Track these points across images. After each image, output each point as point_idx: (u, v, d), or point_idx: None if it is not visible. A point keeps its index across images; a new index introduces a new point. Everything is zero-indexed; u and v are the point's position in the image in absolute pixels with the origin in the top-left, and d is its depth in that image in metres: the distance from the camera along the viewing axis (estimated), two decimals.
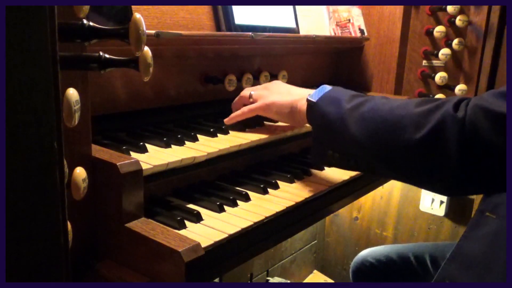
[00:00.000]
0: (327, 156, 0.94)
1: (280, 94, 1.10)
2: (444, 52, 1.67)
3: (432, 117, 0.78)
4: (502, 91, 0.73)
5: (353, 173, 1.15)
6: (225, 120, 1.13)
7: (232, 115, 1.13)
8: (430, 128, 0.77)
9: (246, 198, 0.93)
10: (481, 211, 1.05)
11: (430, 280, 1.07)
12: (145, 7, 1.03)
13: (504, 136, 0.71)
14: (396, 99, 0.91)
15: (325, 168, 1.16)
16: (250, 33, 1.20)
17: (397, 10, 1.70)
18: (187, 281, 0.66)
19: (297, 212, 0.94)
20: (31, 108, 0.42)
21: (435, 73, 1.72)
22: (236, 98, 1.18)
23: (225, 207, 0.88)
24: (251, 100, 1.13)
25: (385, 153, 0.84)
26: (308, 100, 0.97)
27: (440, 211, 2.04)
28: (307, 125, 1.21)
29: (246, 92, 1.16)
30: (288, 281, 2.08)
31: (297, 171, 1.09)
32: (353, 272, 1.43)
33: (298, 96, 1.06)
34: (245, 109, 1.11)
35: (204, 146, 0.96)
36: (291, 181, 1.04)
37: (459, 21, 1.65)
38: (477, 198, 1.88)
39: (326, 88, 0.98)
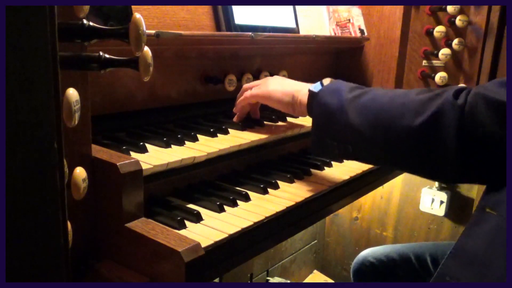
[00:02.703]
0: (327, 146, 0.95)
1: (281, 84, 1.12)
2: (444, 52, 1.67)
3: (432, 103, 0.78)
4: (504, 81, 0.73)
5: (353, 173, 1.15)
6: (235, 119, 1.16)
7: (237, 107, 1.15)
8: (429, 114, 0.78)
9: (246, 198, 0.93)
10: (481, 207, 1.05)
11: (430, 280, 1.07)
12: (145, 7, 1.03)
13: (504, 124, 0.71)
14: (396, 89, 0.92)
15: (325, 168, 1.16)
16: (250, 33, 1.20)
17: (397, 10, 1.70)
18: (187, 281, 0.66)
19: (297, 212, 0.94)
20: (31, 108, 0.42)
21: (435, 73, 1.72)
22: (239, 95, 1.20)
23: (225, 207, 0.88)
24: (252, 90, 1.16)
25: (384, 140, 0.85)
26: (309, 91, 1.00)
27: (440, 211, 2.04)
28: (306, 123, 1.22)
29: (247, 85, 1.18)
30: (288, 281, 2.08)
31: (297, 171, 1.09)
32: (354, 272, 1.43)
33: (299, 87, 1.08)
34: (247, 93, 1.13)
35: (204, 146, 0.96)
36: (291, 181, 1.04)
37: (459, 21, 1.65)
38: (477, 198, 1.88)
39: (327, 80, 1.00)
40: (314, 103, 0.98)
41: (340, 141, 0.92)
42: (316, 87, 1.00)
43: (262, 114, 1.23)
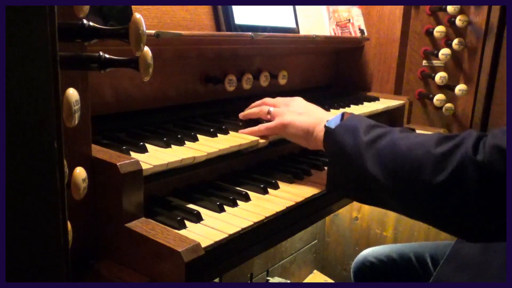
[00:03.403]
0: (342, 185, 0.94)
1: (299, 114, 1.07)
2: (444, 52, 1.67)
3: (452, 159, 0.76)
4: None
5: None
6: (241, 131, 1.09)
7: (249, 130, 1.09)
8: (450, 171, 0.75)
9: (246, 198, 0.93)
10: None
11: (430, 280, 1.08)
12: (145, 7, 1.03)
13: None
14: (414, 134, 0.88)
15: (325, 168, 1.16)
16: (250, 33, 1.20)
17: (397, 10, 1.70)
18: (187, 281, 0.66)
19: (297, 212, 0.94)
20: (31, 108, 0.42)
21: (435, 73, 1.72)
22: (256, 107, 1.16)
23: (225, 207, 0.88)
24: (268, 116, 1.11)
25: (402, 193, 0.83)
26: (325, 127, 0.97)
27: None
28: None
29: (265, 106, 1.13)
30: (288, 281, 2.08)
31: (297, 171, 1.09)
32: (354, 272, 1.43)
33: (316, 119, 1.04)
34: (261, 127, 1.08)
35: (204, 146, 0.96)
36: (291, 181, 1.04)
37: (459, 21, 1.65)
38: None
39: (345, 115, 0.97)
40: (329, 141, 0.95)
41: (357, 184, 0.90)
42: (332, 122, 0.96)
43: None
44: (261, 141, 1.07)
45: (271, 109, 1.11)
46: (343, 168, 0.92)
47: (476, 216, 0.76)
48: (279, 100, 1.15)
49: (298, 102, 1.13)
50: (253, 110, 1.16)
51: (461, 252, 1.02)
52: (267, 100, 1.16)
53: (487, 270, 0.96)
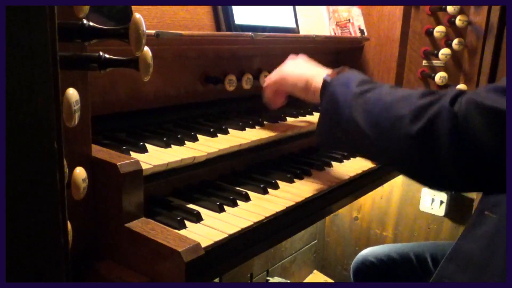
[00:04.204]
0: (332, 134, 0.96)
1: (299, 65, 1.12)
2: (444, 52, 1.67)
3: (430, 109, 0.78)
4: (497, 86, 0.72)
5: (353, 173, 1.15)
6: (268, 105, 1.18)
7: (264, 97, 1.18)
8: (425, 121, 0.77)
9: (246, 198, 0.93)
10: (480, 210, 1.05)
11: (429, 282, 1.08)
12: (145, 7, 1.03)
13: (495, 132, 0.70)
14: (403, 89, 0.91)
15: (325, 168, 1.16)
16: (250, 33, 1.20)
17: (397, 10, 1.70)
18: (187, 281, 0.66)
19: (297, 212, 0.94)
20: (31, 108, 0.42)
21: (435, 73, 1.72)
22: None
23: (225, 207, 0.88)
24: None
25: (384, 143, 0.85)
26: (324, 79, 1.00)
27: (440, 211, 2.04)
28: (306, 123, 1.21)
29: (266, 79, 1.19)
30: (288, 281, 2.08)
31: (297, 171, 1.09)
32: (354, 271, 1.43)
33: (315, 71, 1.07)
34: (265, 83, 1.15)
35: (204, 146, 0.96)
36: (291, 181, 1.04)
37: (459, 21, 1.65)
38: (477, 198, 1.88)
39: (344, 69, 1.01)
40: (325, 92, 0.98)
41: (344, 133, 0.93)
42: (330, 75, 1.00)
43: (262, 114, 1.23)
44: (263, 136, 1.08)
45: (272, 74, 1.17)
46: (332, 117, 0.95)
47: (448, 165, 0.77)
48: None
49: (297, 59, 1.18)
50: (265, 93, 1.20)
51: (463, 249, 1.02)
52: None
53: (489, 268, 0.96)
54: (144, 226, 0.72)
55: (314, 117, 1.31)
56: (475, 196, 1.95)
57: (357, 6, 1.73)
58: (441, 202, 2.03)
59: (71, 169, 0.58)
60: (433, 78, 1.72)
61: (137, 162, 0.75)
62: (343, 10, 1.68)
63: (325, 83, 0.99)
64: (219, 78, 1.28)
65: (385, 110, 0.85)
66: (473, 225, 1.05)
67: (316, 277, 2.36)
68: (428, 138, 0.77)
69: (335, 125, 0.94)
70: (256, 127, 1.15)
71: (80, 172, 0.59)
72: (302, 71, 1.09)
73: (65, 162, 0.49)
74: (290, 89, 1.12)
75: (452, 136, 0.75)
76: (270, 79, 1.15)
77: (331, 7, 1.66)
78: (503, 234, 0.98)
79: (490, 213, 1.03)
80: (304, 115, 1.33)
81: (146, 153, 0.89)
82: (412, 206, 2.12)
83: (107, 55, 0.61)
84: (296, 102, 1.24)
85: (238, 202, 0.91)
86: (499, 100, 0.70)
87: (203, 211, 0.85)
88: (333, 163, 1.19)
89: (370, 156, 0.96)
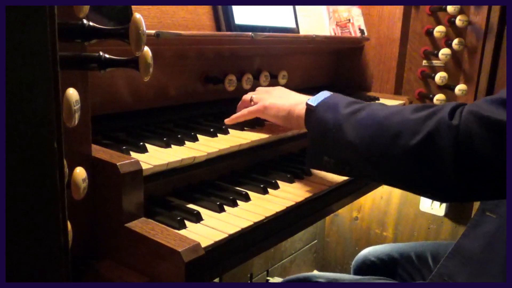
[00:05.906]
0: (322, 161, 0.94)
1: (279, 97, 1.10)
2: (444, 52, 1.67)
3: (428, 123, 0.78)
4: (496, 98, 0.73)
5: None
6: (226, 120, 1.13)
7: (233, 116, 1.14)
8: (425, 134, 0.77)
9: (246, 198, 0.93)
10: (482, 210, 1.06)
11: (428, 278, 1.08)
12: (145, 7, 1.03)
13: (496, 143, 0.70)
14: (393, 105, 0.91)
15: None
16: (250, 33, 1.20)
17: (397, 10, 1.70)
18: (187, 281, 0.66)
19: (297, 212, 0.94)
20: (31, 108, 0.42)
21: (435, 73, 1.72)
22: (240, 102, 1.19)
23: (225, 207, 0.88)
24: (252, 103, 1.14)
25: (380, 159, 0.84)
26: (307, 105, 0.98)
27: (440, 211, 2.04)
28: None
29: (247, 96, 1.17)
30: None
31: (297, 171, 1.08)
32: (355, 271, 1.43)
33: (297, 100, 1.06)
34: (245, 111, 1.12)
35: (204, 146, 0.96)
36: (291, 181, 1.04)
37: (459, 21, 1.65)
38: None
39: (326, 94, 0.99)
40: (311, 118, 0.96)
41: (337, 158, 0.92)
42: (314, 100, 0.98)
43: None
44: (263, 136, 1.08)
45: (254, 96, 1.15)
46: (323, 143, 0.93)
47: (450, 179, 0.77)
48: (260, 88, 1.20)
49: (279, 88, 1.17)
50: (238, 105, 1.19)
51: (464, 247, 1.03)
52: (249, 93, 1.19)
53: (489, 266, 0.97)
54: (144, 226, 0.72)
55: None
56: None
57: (357, 6, 1.73)
58: None
59: (71, 169, 0.58)
60: (433, 78, 1.72)
61: (137, 162, 0.75)
62: (343, 10, 1.69)
63: (310, 108, 0.97)
64: (219, 78, 1.28)
65: (379, 127, 0.84)
66: (475, 224, 1.05)
67: None
68: (427, 152, 0.77)
69: (327, 151, 0.93)
70: (256, 127, 1.15)
71: (80, 172, 0.59)
72: (283, 101, 1.08)
73: (65, 162, 0.49)
74: (271, 119, 1.11)
75: (454, 149, 0.74)
76: (250, 110, 1.11)
77: (331, 7, 1.66)
78: (503, 234, 0.98)
79: (491, 213, 1.03)
80: None
81: (146, 153, 0.89)
82: (412, 206, 2.12)
83: (107, 55, 0.61)
84: None
85: (238, 202, 0.91)
86: (499, 112, 0.71)
87: (203, 211, 0.85)
88: None
89: (367, 176, 0.94)
